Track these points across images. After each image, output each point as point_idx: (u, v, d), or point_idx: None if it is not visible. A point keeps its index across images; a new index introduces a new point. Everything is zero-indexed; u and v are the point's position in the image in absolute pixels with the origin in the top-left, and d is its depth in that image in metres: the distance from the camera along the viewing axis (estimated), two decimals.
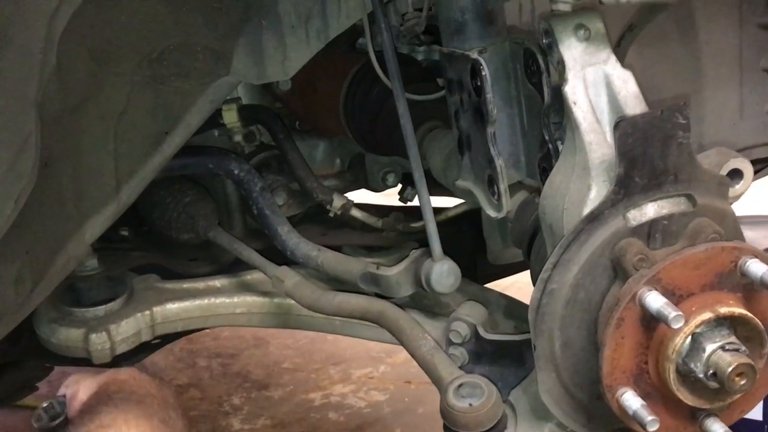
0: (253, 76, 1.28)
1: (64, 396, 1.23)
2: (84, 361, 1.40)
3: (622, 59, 1.08)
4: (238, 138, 1.58)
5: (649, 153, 0.91)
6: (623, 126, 0.89)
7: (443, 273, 1.25)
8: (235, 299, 1.46)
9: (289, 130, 1.57)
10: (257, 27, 1.25)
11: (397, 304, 1.34)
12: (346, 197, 1.56)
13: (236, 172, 1.48)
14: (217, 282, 1.50)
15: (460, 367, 1.25)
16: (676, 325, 0.83)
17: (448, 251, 1.27)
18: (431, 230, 1.24)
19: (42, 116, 1.07)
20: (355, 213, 1.56)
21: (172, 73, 1.23)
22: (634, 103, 0.98)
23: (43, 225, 1.16)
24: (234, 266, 1.55)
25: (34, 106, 1.05)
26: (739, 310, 0.88)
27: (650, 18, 1.11)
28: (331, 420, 2.61)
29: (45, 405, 1.21)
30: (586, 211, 0.93)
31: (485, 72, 1.05)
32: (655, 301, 0.86)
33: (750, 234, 1.66)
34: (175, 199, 1.52)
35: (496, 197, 1.11)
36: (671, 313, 0.83)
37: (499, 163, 1.08)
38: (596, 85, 1.00)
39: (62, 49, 1.06)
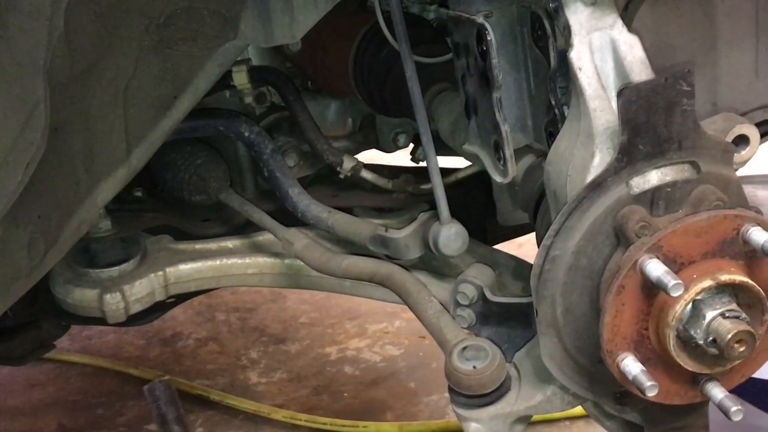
0: (260, 40, 1.28)
1: None
2: (99, 321, 1.43)
3: (630, 21, 1.08)
4: (248, 99, 1.58)
5: (652, 120, 0.90)
6: (627, 93, 0.89)
7: (450, 236, 1.26)
8: (247, 260, 1.48)
9: (299, 92, 1.57)
10: None
11: (405, 266, 1.36)
12: (356, 159, 1.56)
13: (246, 134, 1.49)
14: (229, 243, 1.52)
15: (468, 329, 1.27)
16: (675, 294, 0.84)
17: (457, 212, 1.28)
18: (439, 193, 1.25)
19: (50, 82, 1.08)
20: (366, 174, 1.56)
21: (179, 37, 1.23)
22: (639, 69, 0.97)
23: (55, 190, 1.18)
24: (246, 227, 1.57)
25: (42, 73, 1.06)
26: (739, 278, 0.88)
27: None
28: (347, 374, 2.65)
29: None
30: (589, 178, 0.93)
31: (490, 37, 1.04)
32: (655, 269, 0.86)
33: (764, 193, 1.65)
34: (186, 161, 1.54)
35: (501, 162, 1.12)
36: (671, 281, 0.84)
37: (504, 128, 1.08)
38: (602, 50, 0.99)
39: (69, 14, 1.07)
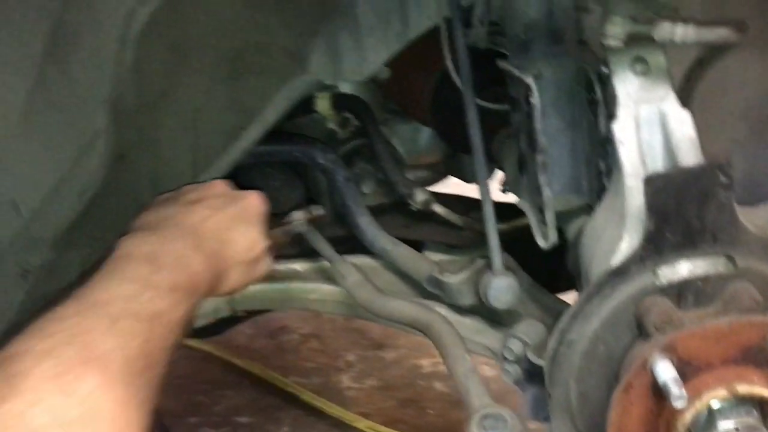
0: (329, 76, 1.29)
1: None
2: None
3: (690, 92, 1.01)
4: (331, 125, 1.60)
5: (683, 210, 0.85)
6: (655, 181, 0.84)
7: (500, 289, 1.23)
8: (310, 285, 1.50)
9: (376, 121, 1.57)
10: (334, 28, 1.26)
11: (462, 310, 1.34)
12: (429, 192, 1.55)
13: (321, 161, 1.50)
14: (298, 266, 1.54)
15: (514, 383, 1.24)
16: (677, 405, 0.78)
17: (527, 256, 1.25)
18: (492, 242, 1.22)
19: (118, 111, 1.13)
20: (437, 209, 1.54)
21: (249, 72, 1.26)
22: (687, 148, 0.91)
23: (118, 214, 1.23)
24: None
25: (105, 105, 1.11)
26: (759, 389, 0.81)
27: (723, 53, 1.02)
28: (436, 390, 2.64)
29: None
30: (615, 262, 0.88)
31: (535, 100, 1.01)
32: (664, 372, 0.81)
33: None
34: (264, 182, 1.57)
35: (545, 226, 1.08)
36: (675, 391, 0.78)
37: (546, 192, 1.05)
38: (650, 123, 0.94)
39: (140, 45, 1.11)
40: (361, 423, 2.45)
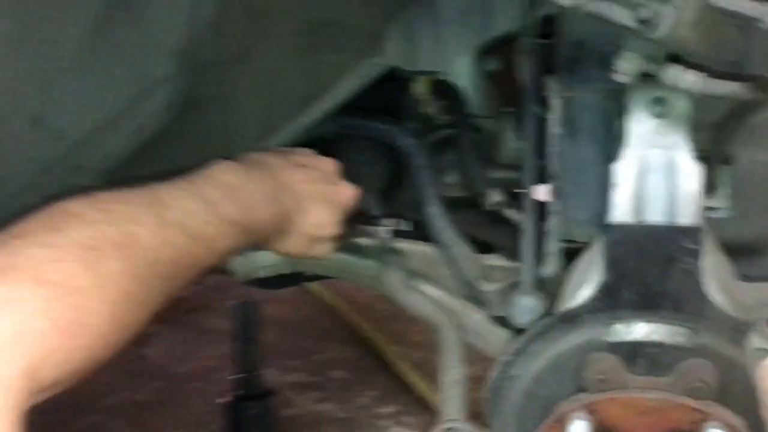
0: (403, 62, 1.30)
1: None
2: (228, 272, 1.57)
3: (724, 143, 0.93)
4: (425, 110, 1.59)
5: (643, 270, 0.79)
6: (614, 232, 0.79)
7: (522, 308, 1.19)
8: (366, 262, 1.52)
9: (467, 114, 1.55)
10: (413, 15, 1.26)
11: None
12: (503, 195, 1.51)
13: (400, 144, 1.51)
14: (361, 240, 1.57)
15: None
16: None
17: None
18: (525, 260, 1.19)
19: (191, 64, 1.20)
20: (509, 213, 1.51)
21: (325, 45, 1.29)
22: (686, 204, 0.85)
23: (181, 160, 1.31)
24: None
25: (174, 56, 1.18)
26: None
27: (757, 108, 0.91)
28: None
29: None
30: (568, 306, 0.84)
31: (553, 124, 0.96)
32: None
33: None
34: (350, 154, 1.60)
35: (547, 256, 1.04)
36: None
37: (552, 221, 1.00)
38: (658, 170, 0.88)
39: (219, 5, 1.17)
40: None
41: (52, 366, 0.68)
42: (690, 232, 0.77)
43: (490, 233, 1.58)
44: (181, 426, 2.40)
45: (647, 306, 0.80)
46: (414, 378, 2.59)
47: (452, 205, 1.57)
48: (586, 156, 1.03)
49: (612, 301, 0.81)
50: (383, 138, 1.53)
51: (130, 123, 1.19)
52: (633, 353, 0.81)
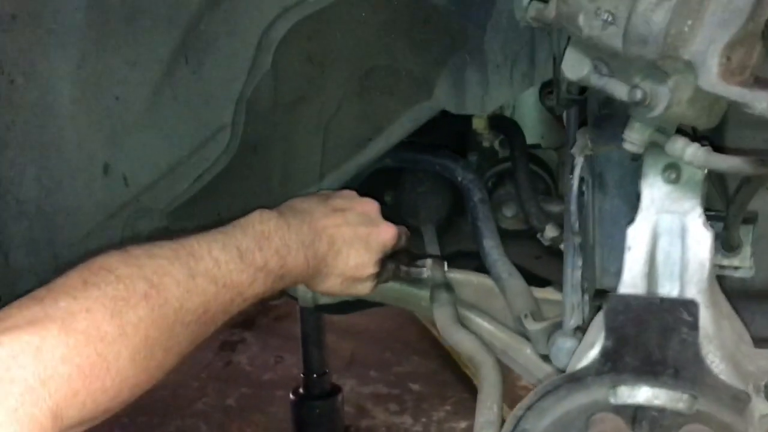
0: (452, 106, 1.34)
1: None
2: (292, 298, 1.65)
3: (741, 208, 0.94)
4: (486, 144, 1.63)
5: (643, 338, 0.82)
6: (613, 302, 0.82)
7: (561, 349, 1.22)
8: (423, 293, 1.57)
9: (524, 149, 1.58)
10: (462, 61, 1.30)
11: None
12: (561, 229, 1.53)
13: (459, 178, 1.55)
14: (428, 261, 1.61)
15: None
16: None
17: None
18: (566, 303, 1.22)
19: (252, 109, 1.28)
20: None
21: (378, 89, 1.35)
22: (694, 270, 0.87)
23: (244, 195, 1.39)
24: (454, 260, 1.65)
25: (235, 103, 1.26)
26: None
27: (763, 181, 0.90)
28: None
29: None
30: (577, 366, 0.88)
31: (572, 183, 0.99)
32: None
33: None
34: (412, 185, 1.66)
35: (577, 307, 1.07)
36: None
37: (572, 272, 1.03)
38: (671, 234, 0.90)
39: (280, 54, 1.25)
40: None
41: (77, 406, 0.76)
42: (688, 306, 0.78)
43: (546, 266, 1.61)
44: None
45: (649, 372, 0.82)
46: None
47: (511, 237, 1.61)
48: (615, 209, 1.05)
49: (615, 365, 0.84)
50: (442, 172, 1.58)
51: (192, 168, 1.28)
52: (637, 416, 0.84)
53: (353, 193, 1.29)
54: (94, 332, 0.80)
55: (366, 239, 1.22)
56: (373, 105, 1.36)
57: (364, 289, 1.29)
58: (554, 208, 1.63)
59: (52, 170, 1.14)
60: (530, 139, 1.68)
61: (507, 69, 1.29)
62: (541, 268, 1.58)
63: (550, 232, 1.54)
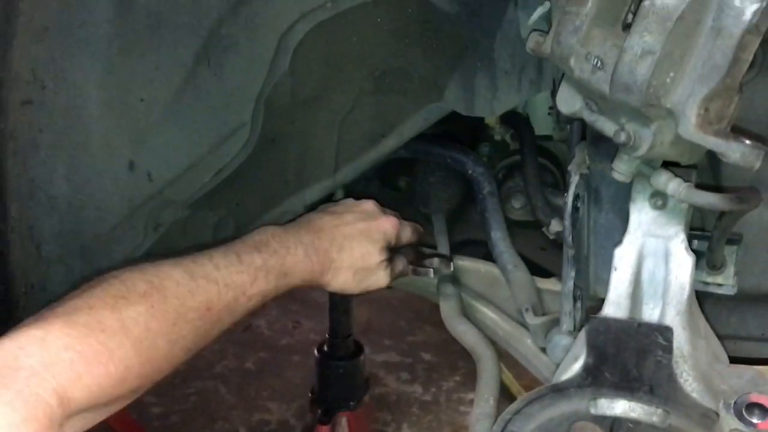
0: (461, 108, 1.39)
1: None
2: None
3: (725, 231, 0.99)
4: (498, 137, 1.68)
5: (621, 357, 0.88)
6: (594, 323, 0.88)
7: (556, 346, 1.29)
8: (431, 281, 1.64)
9: (533, 143, 1.62)
10: (472, 66, 1.35)
11: None
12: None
13: (469, 171, 1.60)
14: (436, 260, 1.68)
15: None
16: None
17: None
18: (564, 304, 1.28)
19: (272, 104, 1.34)
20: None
21: (391, 89, 1.41)
22: (674, 293, 0.93)
23: (262, 185, 1.46)
24: (457, 249, 1.70)
25: (255, 102, 1.32)
26: None
27: (741, 213, 0.95)
28: None
29: None
30: (561, 377, 0.95)
31: (567, 198, 1.05)
32: None
33: None
34: (425, 174, 1.71)
35: (569, 314, 1.13)
36: None
37: (568, 285, 1.09)
38: (656, 256, 0.96)
39: (298, 56, 1.31)
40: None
41: (82, 389, 0.85)
42: (663, 331, 0.85)
43: (548, 260, 1.67)
44: (277, 396, 2.62)
45: (626, 387, 0.89)
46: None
47: (519, 227, 1.67)
48: (609, 223, 1.11)
49: (595, 380, 0.90)
50: (454, 165, 1.64)
51: (212, 163, 1.35)
52: (615, 427, 0.91)
53: (350, 200, 1.36)
54: (95, 325, 0.89)
55: (366, 232, 1.30)
56: (387, 104, 1.42)
57: (378, 280, 1.36)
58: (561, 201, 1.68)
59: (80, 168, 1.21)
60: (542, 131, 1.72)
61: (515, 76, 1.34)
62: (546, 260, 1.64)
63: (555, 226, 1.59)
